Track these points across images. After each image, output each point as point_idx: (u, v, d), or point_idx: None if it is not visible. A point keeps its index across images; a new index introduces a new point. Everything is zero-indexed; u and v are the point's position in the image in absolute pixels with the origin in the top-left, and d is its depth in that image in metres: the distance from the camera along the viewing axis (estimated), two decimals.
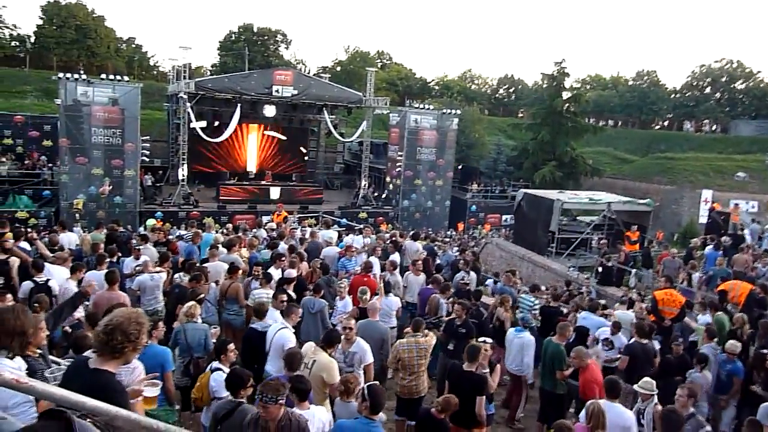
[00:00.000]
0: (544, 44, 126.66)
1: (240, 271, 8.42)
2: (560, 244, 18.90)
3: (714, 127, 55.32)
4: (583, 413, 5.44)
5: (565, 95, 37.87)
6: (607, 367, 7.98)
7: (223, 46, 53.42)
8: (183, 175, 24.72)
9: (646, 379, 6.18)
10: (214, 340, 6.12)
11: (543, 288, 11.54)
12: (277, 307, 6.76)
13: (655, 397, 5.97)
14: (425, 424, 5.24)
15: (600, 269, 16.16)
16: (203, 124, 24.94)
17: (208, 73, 48.49)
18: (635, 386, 6.18)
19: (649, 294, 12.14)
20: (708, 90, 57.55)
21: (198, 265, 8.56)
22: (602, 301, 11.15)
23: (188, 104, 23.67)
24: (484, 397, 5.87)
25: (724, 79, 56.41)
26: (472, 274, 11.75)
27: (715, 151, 43.35)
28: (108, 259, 8.22)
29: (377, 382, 5.07)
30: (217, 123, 26.02)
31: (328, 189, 31.14)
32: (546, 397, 7.42)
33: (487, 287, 12.92)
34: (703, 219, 23.64)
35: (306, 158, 32.40)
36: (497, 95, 66.57)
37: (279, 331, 6.12)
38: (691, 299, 11.40)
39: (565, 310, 10.25)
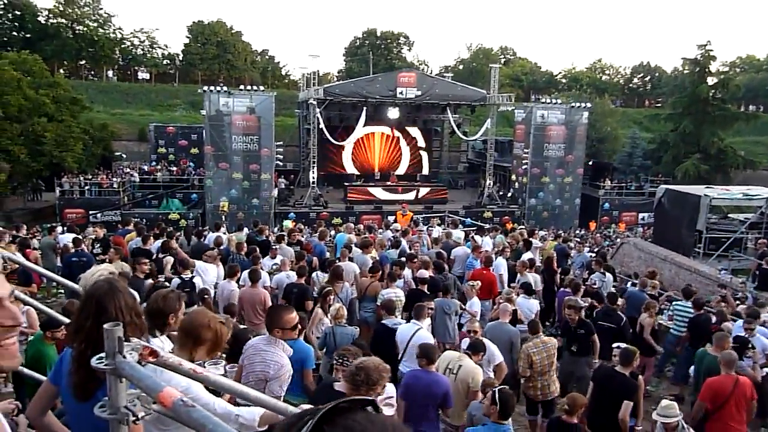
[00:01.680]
0: (685, 27, 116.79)
1: (379, 272, 8.57)
2: (709, 245, 17.24)
3: None
4: None
5: (711, 81, 34.59)
6: None
7: (349, 52, 55.31)
8: (313, 178, 25.85)
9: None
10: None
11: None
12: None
13: None
14: (557, 429, 5.02)
15: (758, 272, 14.53)
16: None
17: (335, 79, 50.38)
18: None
19: None
20: None
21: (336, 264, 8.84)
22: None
23: (317, 110, 24.73)
24: (631, 403, 5.50)
25: None
26: (608, 275, 11.09)
27: None
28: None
29: (507, 387, 4.93)
30: (344, 126, 26.95)
31: (452, 188, 31.02)
32: None
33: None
34: None
35: (431, 158, 32.52)
36: (631, 85, 62.46)
37: (418, 331, 6.15)
38: None
39: (713, 319, 9.29)
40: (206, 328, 2.95)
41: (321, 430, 0.77)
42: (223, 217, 22.03)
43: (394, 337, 6.25)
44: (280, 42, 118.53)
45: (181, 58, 51.62)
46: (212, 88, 23.83)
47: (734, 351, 6.95)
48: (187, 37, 50.34)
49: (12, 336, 1.35)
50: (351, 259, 9.26)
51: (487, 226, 17.29)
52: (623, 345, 6.38)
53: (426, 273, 8.40)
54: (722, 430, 5.69)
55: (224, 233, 12.23)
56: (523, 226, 18.16)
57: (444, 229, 14.12)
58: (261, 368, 4.12)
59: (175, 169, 28.64)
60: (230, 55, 50.30)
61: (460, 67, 54.92)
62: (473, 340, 5.91)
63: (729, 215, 19.69)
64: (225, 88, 24.37)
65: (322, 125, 25.08)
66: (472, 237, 13.00)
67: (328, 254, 10.94)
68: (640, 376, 6.32)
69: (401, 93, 25.75)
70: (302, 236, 13.55)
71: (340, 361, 4.46)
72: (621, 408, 5.45)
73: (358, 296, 8.28)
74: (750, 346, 7.53)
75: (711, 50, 33.90)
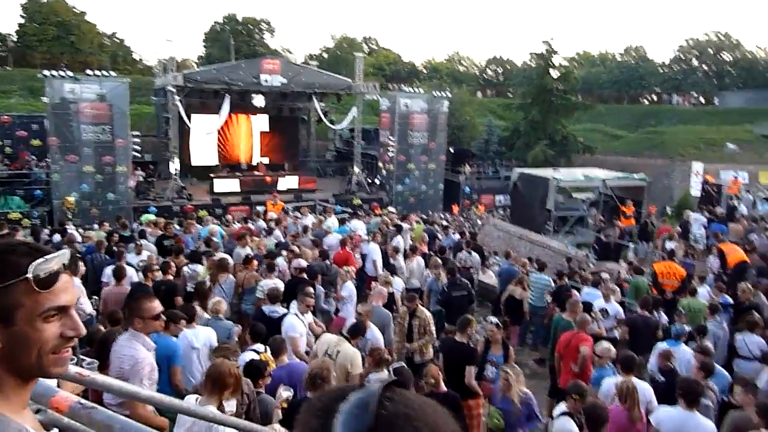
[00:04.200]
0: (532, 23, 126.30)
1: (255, 263, 8.42)
2: (557, 222, 19.00)
3: (702, 100, 55.50)
4: (605, 388, 5.52)
5: (554, 74, 37.83)
6: (608, 338, 8.07)
7: (209, 38, 52.97)
8: (175, 170, 24.54)
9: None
10: (236, 339, 6.11)
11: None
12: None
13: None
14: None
15: (596, 245, 16.33)
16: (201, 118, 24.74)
17: (195, 65, 48.03)
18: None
19: (647, 267, 12.23)
20: (695, 63, 57.66)
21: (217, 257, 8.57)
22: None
23: (176, 97, 23.45)
24: (473, 367, 5.97)
25: (711, 51, 56.51)
26: (475, 254, 11.83)
27: (703, 123, 43.47)
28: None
29: (404, 364, 5.15)
30: (206, 115, 25.82)
31: (321, 177, 31.02)
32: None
33: (493, 268, 12.97)
34: (696, 191, 23.80)
35: (298, 147, 32.23)
36: (486, 76, 66.45)
37: (287, 317, 6.18)
38: (691, 271, 11.52)
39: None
40: (228, 376, 3.51)
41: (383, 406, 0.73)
42: (69, 214, 20.22)
43: (271, 324, 6.22)
44: (130, 25, 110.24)
45: (15, 39, 46.21)
46: (54, 72, 21.60)
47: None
48: (22, 17, 45.16)
49: (70, 346, 1.22)
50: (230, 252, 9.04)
51: (360, 212, 17.57)
52: (494, 319, 6.93)
53: (303, 262, 8.42)
54: (567, 374, 6.61)
55: (75, 230, 11.29)
56: (394, 211, 18.70)
57: (317, 218, 14.17)
58: (117, 365, 3.95)
59: (13, 163, 25.65)
60: (74, 37, 45.92)
61: (325, 55, 54.91)
62: (353, 324, 6.04)
63: (573, 195, 21.81)
64: (70, 74, 22.20)
65: (182, 113, 23.82)
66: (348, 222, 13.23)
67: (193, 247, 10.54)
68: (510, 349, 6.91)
69: (266, 80, 25.20)
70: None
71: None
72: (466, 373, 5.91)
73: (235, 289, 8.10)
74: (600, 310, 8.51)
75: (554, 46, 37.08)
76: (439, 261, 9.95)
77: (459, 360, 6.01)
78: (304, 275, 8.10)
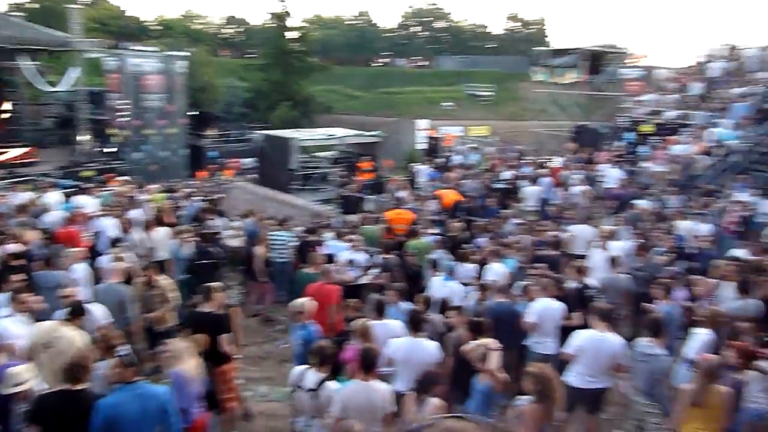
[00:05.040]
0: None
1: None
2: (303, 181, 19.69)
3: (424, 63, 61.89)
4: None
5: (292, 35, 38.41)
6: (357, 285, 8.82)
7: None
8: None
9: None
10: None
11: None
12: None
13: None
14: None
15: (341, 200, 17.40)
16: None
17: None
18: None
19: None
20: (416, 29, 63.79)
21: None
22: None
23: None
24: (227, 334, 6.00)
25: (428, 19, 63.02)
26: (221, 219, 11.69)
27: (426, 84, 48.69)
28: None
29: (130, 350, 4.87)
30: None
31: (41, 148, 26.90)
32: None
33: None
34: (422, 145, 26.79)
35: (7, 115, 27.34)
36: (224, 36, 64.24)
37: None
38: (417, 216, 13.09)
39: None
40: None
41: None
42: None
43: None
44: None
45: None
46: None
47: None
48: None
49: None
50: None
51: (91, 185, 15.79)
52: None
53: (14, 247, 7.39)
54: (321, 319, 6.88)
55: None
56: (131, 181, 17.25)
57: (35, 195, 12.38)
58: None
59: None
60: None
61: (35, 5, 46.99)
62: (71, 304, 5.55)
63: (316, 154, 22.75)
64: None
65: None
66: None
67: None
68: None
69: None
70: None
71: None
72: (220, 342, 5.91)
73: None
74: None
75: (287, 7, 37.49)
76: (184, 229, 9.63)
77: (207, 330, 5.91)
78: (22, 261, 7.12)
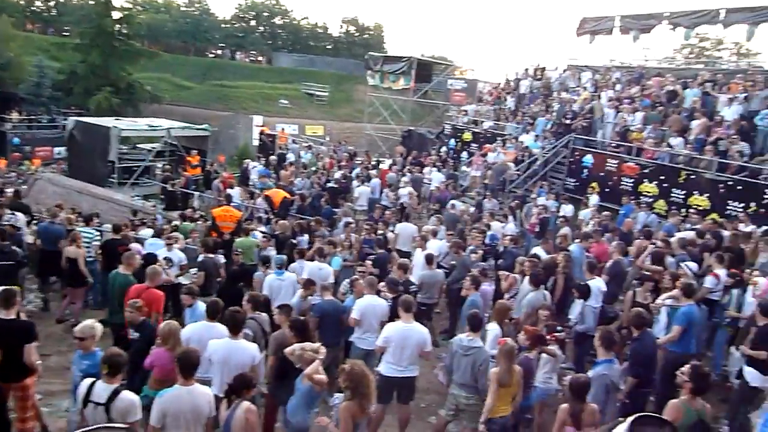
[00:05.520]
0: None
1: None
2: (122, 174, 18.20)
3: (260, 58, 60.66)
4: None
5: (116, 15, 35.32)
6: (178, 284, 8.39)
7: None
8: None
9: None
10: None
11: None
12: None
13: None
14: None
15: (163, 195, 16.41)
16: None
17: None
18: None
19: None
20: (254, 23, 62.24)
21: None
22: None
23: None
24: (33, 344, 5.38)
25: (266, 14, 61.84)
26: (19, 215, 10.36)
27: (262, 80, 47.81)
28: None
29: None
30: None
31: None
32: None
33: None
34: (256, 142, 26.25)
35: None
36: (34, 8, 56.98)
37: None
38: (246, 214, 12.82)
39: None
40: None
41: None
42: None
43: None
44: None
45: None
46: None
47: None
48: None
49: None
50: None
51: None
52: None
53: None
54: None
55: None
56: None
57: None
58: None
59: None
60: None
61: None
62: None
63: (138, 145, 21.17)
64: None
65: None
66: None
67: None
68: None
69: None
70: None
71: None
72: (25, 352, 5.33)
73: None
74: (164, 259, 8.58)
75: None
76: None
77: (9, 340, 5.19)
78: None
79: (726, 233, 10.10)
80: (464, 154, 20.34)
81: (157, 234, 10.05)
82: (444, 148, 21.38)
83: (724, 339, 7.86)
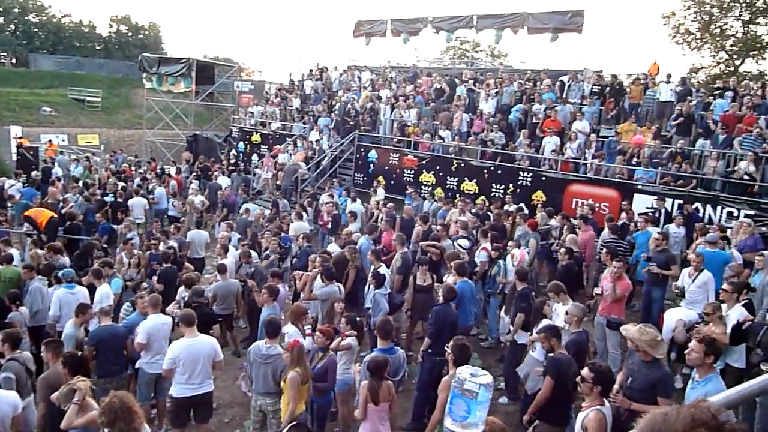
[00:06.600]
0: None
1: None
2: None
3: (14, 61, 53.09)
4: None
5: None
6: None
7: None
8: None
9: None
10: None
11: None
12: None
13: None
14: None
15: None
16: None
17: None
18: None
19: None
20: (1, 20, 54.04)
21: None
22: None
23: None
24: None
25: (17, 11, 54.12)
26: None
27: (18, 85, 41.74)
28: None
29: None
30: None
31: None
32: None
33: None
34: (13, 156, 22.91)
35: None
36: None
37: None
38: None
39: None
40: None
41: None
42: None
43: None
44: None
45: None
46: None
47: None
48: None
49: None
50: None
51: None
52: None
53: None
54: None
55: None
56: None
57: None
58: None
59: None
60: None
61: None
62: None
63: None
64: None
65: None
66: None
67: None
68: None
69: None
70: None
71: None
72: None
73: None
74: None
75: None
76: None
77: None
78: None
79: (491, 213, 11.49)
80: (254, 157, 20.06)
81: None
82: (233, 152, 20.84)
83: (496, 305, 8.88)
